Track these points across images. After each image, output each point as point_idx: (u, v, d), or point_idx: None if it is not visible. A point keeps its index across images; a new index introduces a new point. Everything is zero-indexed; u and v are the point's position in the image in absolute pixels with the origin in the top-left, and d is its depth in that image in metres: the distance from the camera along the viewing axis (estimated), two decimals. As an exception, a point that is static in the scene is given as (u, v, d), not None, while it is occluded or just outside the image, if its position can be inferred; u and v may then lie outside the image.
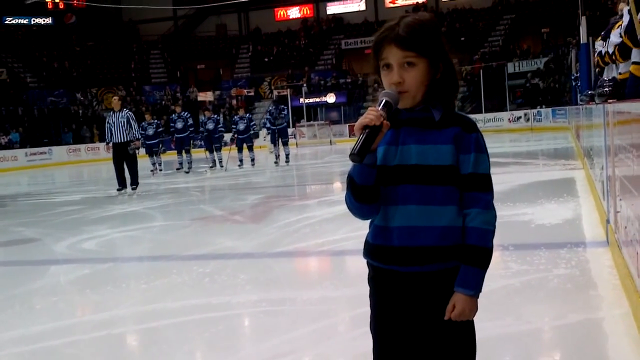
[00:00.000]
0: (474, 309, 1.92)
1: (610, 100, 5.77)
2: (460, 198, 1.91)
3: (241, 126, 19.19)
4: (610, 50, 6.69)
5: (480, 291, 1.92)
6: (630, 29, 5.44)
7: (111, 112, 13.76)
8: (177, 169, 19.76)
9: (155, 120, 20.20)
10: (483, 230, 1.90)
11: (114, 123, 13.26)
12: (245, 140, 19.32)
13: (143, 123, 19.39)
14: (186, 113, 20.02)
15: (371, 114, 1.82)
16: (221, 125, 19.91)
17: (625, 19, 5.74)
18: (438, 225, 1.89)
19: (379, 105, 1.85)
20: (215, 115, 20.88)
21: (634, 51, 5.66)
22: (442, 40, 1.95)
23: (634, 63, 5.70)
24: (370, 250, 2.00)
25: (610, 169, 5.26)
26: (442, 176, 1.89)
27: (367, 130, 1.81)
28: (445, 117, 1.93)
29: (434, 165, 1.89)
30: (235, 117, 20.14)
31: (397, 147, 1.92)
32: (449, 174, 1.89)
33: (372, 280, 2.04)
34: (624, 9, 6.01)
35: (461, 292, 1.89)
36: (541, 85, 34.61)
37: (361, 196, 1.92)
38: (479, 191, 1.91)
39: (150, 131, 19.23)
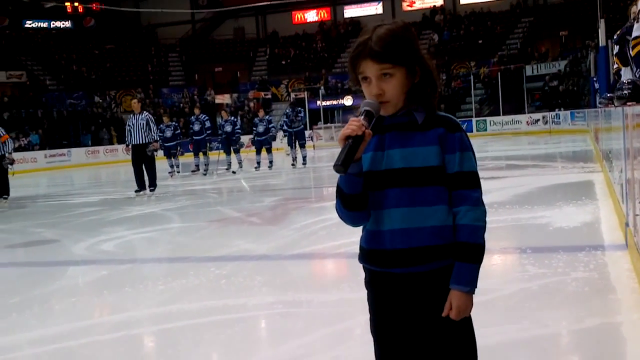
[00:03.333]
0: (470, 304, 1.94)
1: (630, 103, 5.72)
2: (449, 197, 1.94)
3: (260, 128, 19.20)
4: (631, 44, 6.62)
5: (476, 287, 1.95)
6: None
7: (131, 115, 13.85)
8: (193, 171, 19.78)
9: (173, 123, 20.24)
10: (473, 226, 1.93)
11: (133, 125, 13.35)
12: (263, 142, 19.33)
13: (161, 125, 19.46)
14: (204, 116, 20.01)
15: (353, 125, 1.86)
16: (238, 127, 19.89)
17: None
18: (429, 226, 1.93)
19: (361, 115, 1.89)
20: (233, 117, 20.85)
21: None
22: (416, 46, 1.98)
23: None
24: (365, 254, 2.04)
25: (629, 171, 5.22)
26: (430, 177, 1.93)
27: (350, 141, 1.85)
28: (428, 119, 1.97)
29: (420, 167, 1.93)
30: (255, 119, 20.14)
31: (383, 152, 1.97)
32: (436, 174, 1.93)
33: (369, 284, 2.08)
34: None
35: (456, 288, 1.92)
36: (561, 88, 34.37)
37: (350, 204, 1.98)
38: (466, 189, 1.94)
39: (168, 133, 19.29)
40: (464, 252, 1.92)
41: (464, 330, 1.99)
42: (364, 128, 1.86)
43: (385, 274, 1.99)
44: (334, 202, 2.06)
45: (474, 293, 1.94)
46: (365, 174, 1.95)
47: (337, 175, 1.97)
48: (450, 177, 1.93)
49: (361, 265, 2.10)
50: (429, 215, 1.92)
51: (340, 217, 2.05)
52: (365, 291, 2.11)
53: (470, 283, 1.93)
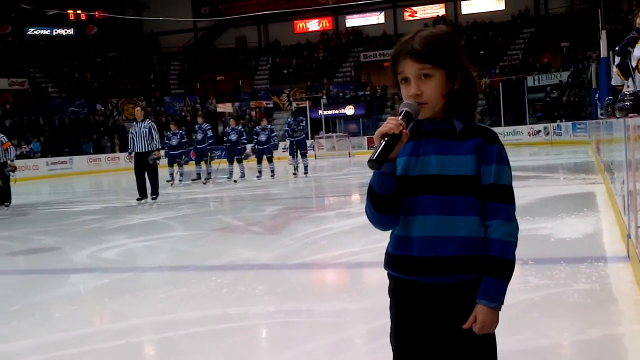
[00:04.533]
0: (496, 321, 1.91)
1: (631, 115, 5.73)
2: (481, 209, 1.91)
3: (262, 137, 19.19)
4: (634, 64, 6.64)
5: (503, 303, 1.91)
6: None
7: (134, 122, 13.87)
8: (194, 180, 19.76)
9: (180, 131, 20.14)
10: (505, 242, 1.90)
11: (136, 133, 13.37)
12: (265, 151, 19.31)
13: (168, 133, 19.48)
14: (207, 125, 20.01)
15: (391, 123, 1.84)
16: (244, 137, 19.84)
17: None
18: (459, 236, 1.89)
19: (399, 115, 1.87)
20: (239, 127, 20.79)
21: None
22: (459, 52, 1.96)
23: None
24: (391, 261, 2.00)
25: (631, 183, 5.23)
26: (463, 186, 1.89)
27: (386, 139, 1.82)
28: (466, 128, 1.94)
29: (455, 176, 1.89)
30: (257, 128, 20.13)
31: (418, 157, 1.93)
32: (470, 184, 1.90)
33: (392, 292, 2.03)
34: None
35: (483, 304, 1.88)
36: (563, 99, 34.39)
37: (381, 205, 1.93)
38: (500, 202, 1.91)
39: (174, 141, 19.24)
40: (493, 267, 1.89)
41: (487, 347, 1.95)
42: (402, 128, 1.84)
43: (409, 282, 1.95)
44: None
45: (500, 309, 1.91)
46: (399, 178, 1.93)
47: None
48: (485, 189, 1.90)
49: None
50: (461, 225, 1.89)
51: (369, 219, 2.01)
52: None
53: (497, 299, 1.89)
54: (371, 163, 1.82)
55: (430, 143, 1.94)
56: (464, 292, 1.91)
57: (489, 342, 1.95)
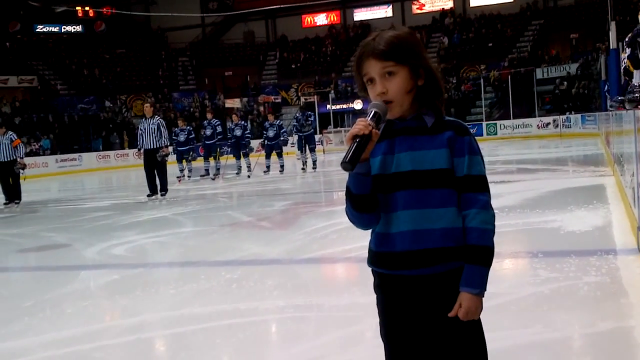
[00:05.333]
0: (480, 307, 1.95)
1: (641, 106, 5.71)
2: (458, 200, 1.97)
3: (271, 133, 19.18)
4: None
5: (485, 289, 1.96)
6: None
7: (143, 119, 13.89)
8: (202, 176, 19.76)
9: (188, 127, 20.16)
10: (482, 229, 1.95)
11: (144, 129, 13.39)
12: (274, 146, 19.32)
13: (175, 129, 19.48)
14: (216, 121, 19.98)
15: (360, 124, 1.89)
16: (248, 131, 19.87)
17: None
18: (438, 227, 1.94)
19: (368, 117, 1.92)
20: (243, 122, 20.84)
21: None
22: (420, 50, 2.02)
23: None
24: (374, 258, 2.06)
25: (641, 175, 5.20)
26: (439, 179, 1.95)
27: (357, 140, 1.88)
28: (437, 123, 2.00)
29: (429, 170, 1.95)
30: (265, 123, 20.15)
31: (392, 155, 1.99)
32: (445, 177, 1.95)
33: (378, 287, 2.09)
34: None
35: (466, 291, 1.93)
36: (572, 91, 34.24)
37: (359, 205, 2.00)
38: (475, 192, 1.96)
39: (182, 137, 19.23)
40: (473, 255, 1.94)
41: (474, 333, 1.99)
42: (371, 128, 1.88)
43: (394, 276, 2.00)
44: (344, 206, 2.08)
45: (483, 296, 1.95)
46: (375, 178, 1.98)
47: (345, 180, 1.99)
48: (459, 181, 1.96)
49: (371, 269, 2.11)
50: (439, 217, 1.94)
51: (350, 220, 2.07)
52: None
53: (479, 285, 1.94)
54: (344, 165, 1.87)
55: (403, 140, 1.99)
56: (447, 282, 1.95)
57: (476, 329, 1.99)
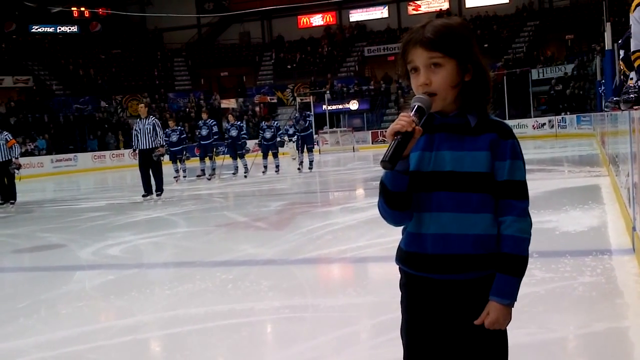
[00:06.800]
0: (508, 318, 1.88)
1: (636, 107, 5.71)
2: (495, 205, 1.88)
3: (267, 134, 19.21)
4: None
5: (516, 300, 1.88)
6: None
7: (138, 119, 13.88)
8: (198, 176, 19.77)
9: (179, 127, 20.23)
10: (518, 238, 1.87)
11: (140, 130, 13.37)
12: (270, 147, 19.35)
13: (167, 130, 19.46)
14: (212, 121, 19.99)
15: (403, 120, 1.79)
16: (244, 132, 19.89)
17: None
18: (472, 233, 1.86)
19: (411, 111, 1.82)
20: (239, 122, 20.85)
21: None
22: (472, 43, 1.91)
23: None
24: (403, 257, 1.97)
25: (636, 175, 5.21)
26: (477, 183, 1.86)
27: (398, 137, 1.78)
28: (480, 123, 1.90)
29: (469, 172, 1.86)
30: (262, 124, 20.16)
31: (431, 152, 1.89)
32: (485, 181, 1.86)
33: (404, 286, 2.01)
34: None
35: (496, 300, 1.86)
36: (567, 92, 34.30)
37: (393, 203, 1.89)
38: (514, 199, 1.87)
39: (174, 138, 19.26)
40: (506, 264, 1.86)
41: (498, 343, 1.92)
42: (414, 124, 1.79)
43: (422, 278, 1.93)
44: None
45: (513, 306, 1.88)
46: (412, 174, 1.88)
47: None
48: (499, 185, 1.87)
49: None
50: (475, 222, 1.86)
51: (382, 215, 1.96)
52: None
53: (510, 296, 1.87)
54: (384, 163, 1.78)
55: (443, 138, 1.89)
56: (476, 289, 1.88)
57: (500, 339, 1.92)
